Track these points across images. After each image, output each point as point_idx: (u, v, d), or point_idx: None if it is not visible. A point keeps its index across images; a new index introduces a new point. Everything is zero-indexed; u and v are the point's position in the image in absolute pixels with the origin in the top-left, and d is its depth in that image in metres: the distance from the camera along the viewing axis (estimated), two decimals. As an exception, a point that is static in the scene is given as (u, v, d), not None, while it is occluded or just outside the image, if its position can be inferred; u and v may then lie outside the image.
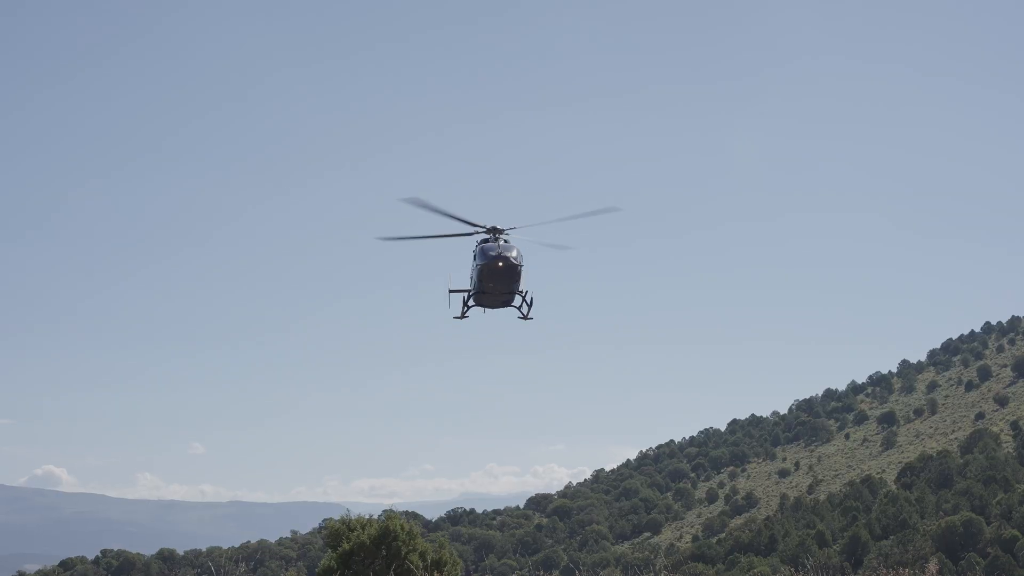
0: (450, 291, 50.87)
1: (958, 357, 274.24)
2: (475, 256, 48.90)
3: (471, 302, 50.08)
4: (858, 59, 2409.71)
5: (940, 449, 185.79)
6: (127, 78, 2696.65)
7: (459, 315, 50.14)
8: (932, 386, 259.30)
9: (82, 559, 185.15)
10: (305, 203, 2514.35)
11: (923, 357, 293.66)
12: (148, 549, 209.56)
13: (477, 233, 48.84)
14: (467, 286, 50.77)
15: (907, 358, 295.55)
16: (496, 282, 47.73)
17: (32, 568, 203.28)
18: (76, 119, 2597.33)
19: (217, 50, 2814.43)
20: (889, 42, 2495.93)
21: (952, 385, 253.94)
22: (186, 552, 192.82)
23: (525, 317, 49.55)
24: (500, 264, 47.25)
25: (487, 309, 50.56)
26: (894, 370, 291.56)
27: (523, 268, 47.78)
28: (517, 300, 49.41)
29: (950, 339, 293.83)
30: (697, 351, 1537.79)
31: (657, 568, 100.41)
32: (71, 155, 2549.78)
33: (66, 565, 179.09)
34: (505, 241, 48.01)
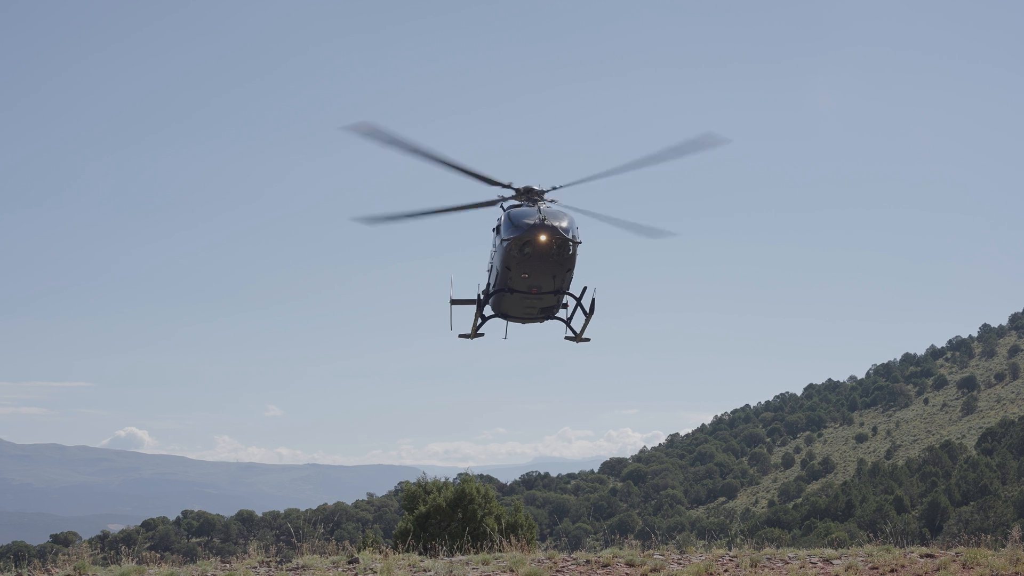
0: (452, 301, 30.75)
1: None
2: (498, 230, 28.35)
3: (488, 310, 29.99)
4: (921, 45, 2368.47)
5: (1022, 414, 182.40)
6: (171, 42, 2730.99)
7: (469, 333, 30.39)
8: (1014, 350, 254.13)
9: (164, 519, 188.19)
10: (369, 162, 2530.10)
11: (1004, 321, 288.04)
12: (227, 510, 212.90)
13: (500, 200, 28.45)
14: (476, 293, 30.84)
15: (988, 322, 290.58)
16: (535, 271, 26.94)
17: (116, 528, 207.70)
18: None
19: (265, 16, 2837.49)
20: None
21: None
22: (264, 514, 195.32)
23: (578, 337, 29.51)
24: (543, 238, 26.09)
25: (513, 323, 30.30)
26: (974, 334, 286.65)
27: (579, 247, 26.87)
28: (565, 309, 29.24)
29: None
30: (773, 316, 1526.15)
31: (732, 533, 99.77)
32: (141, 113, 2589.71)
33: (148, 525, 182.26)
34: (550, 203, 27.52)
